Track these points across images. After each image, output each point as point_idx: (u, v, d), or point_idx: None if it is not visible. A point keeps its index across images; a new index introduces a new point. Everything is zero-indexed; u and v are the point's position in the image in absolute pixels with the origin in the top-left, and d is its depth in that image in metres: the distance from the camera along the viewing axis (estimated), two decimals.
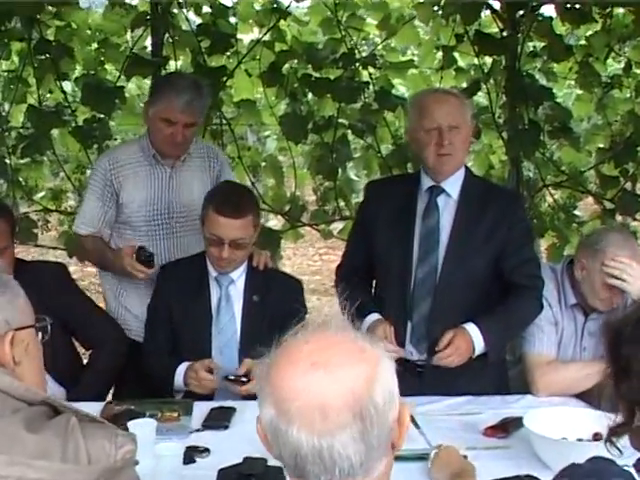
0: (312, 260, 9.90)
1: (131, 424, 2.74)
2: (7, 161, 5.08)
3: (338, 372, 1.38)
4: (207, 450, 2.76)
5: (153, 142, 3.71)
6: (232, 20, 5.06)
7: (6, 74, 5.16)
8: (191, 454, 2.71)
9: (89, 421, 1.58)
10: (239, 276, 3.37)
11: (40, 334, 1.77)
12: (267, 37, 5.03)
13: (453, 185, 3.29)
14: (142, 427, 2.72)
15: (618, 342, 1.77)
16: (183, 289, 3.37)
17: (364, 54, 5.10)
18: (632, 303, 3.18)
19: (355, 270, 3.46)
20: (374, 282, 3.48)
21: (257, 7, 5.05)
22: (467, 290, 3.25)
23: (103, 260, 3.78)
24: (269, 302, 3.29)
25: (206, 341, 3.32)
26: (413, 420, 2.94)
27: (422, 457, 2.64)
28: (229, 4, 5.05)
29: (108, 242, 3.79)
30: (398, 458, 2.52)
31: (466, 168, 3.36)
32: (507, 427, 2.91)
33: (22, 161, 5.21)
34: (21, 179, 5.30)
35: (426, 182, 3.30)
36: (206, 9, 4.99)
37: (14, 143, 5.04)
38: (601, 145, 5.48)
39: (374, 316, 3.26)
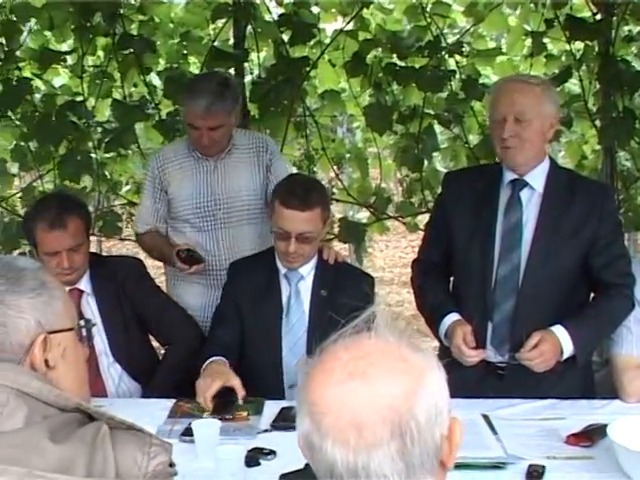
0: (404, 252, 9.77)
1: (195, 424, 2.68)
2: (93, 155, 5.10)
3: (375, 384, 1.25)
4: (273, 452, 2.66)
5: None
6: (314, 10, 4.95)
7: (92, 69, 5.15)
8: (256, 456, 2.61)
9: (125, 429, 1.49)
10: (309, 272, 3.27)
11: (83, 339, 1.68)
12: (350, 26, 4.92)
13: (537, 178, 3.10)
14: (206, 427, 2.65)
15: None
16: (252, 287, 3.28)
17: (450, 42, 4.92)
18: None
19: (433, 265, 3.32)
20: (452, 279, 3.33)
21: None
22: (553, 289, 3.07)
23: (162, 254, 3.86)
24: (337, 297, 3.16)
25: (276, 340, 3.22)
26: (490, 425, 2.79)
27: (498, 466, 2.48)
28: None
29: (166, 236, 3.89)
30: (472, 467, 2.41)
31: (551, 160, 3.17)
32: (592, 435, 2.71)
33: (107, 155, 5.21)
34: (106, 173, 5.31)
35: (508, 175, 3.13)
36: None
37: (99, 138, 5.05)
38: None
39: (453, 316, 3.11)
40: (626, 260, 3.17)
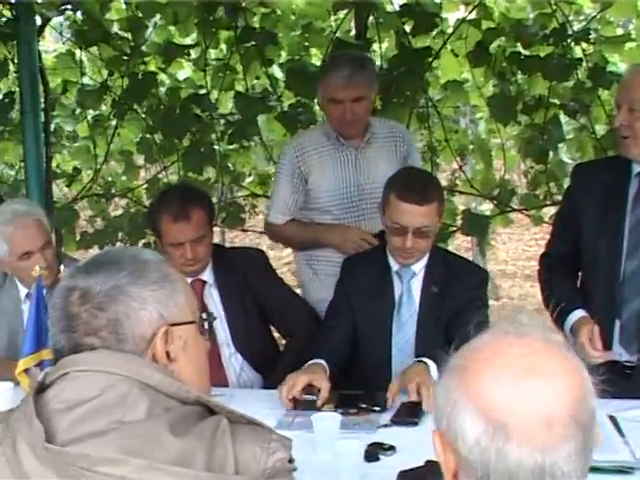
0: (527, 245, 9.60)
1: (315, 417, 2.67)
2: (216, 147, 5.16)
3: (556, 378, 1.23)
4: (392, 448, 2.62)
5: (331, 126, 3.72)
6: None
7: (215, 62, 5.22)
8: (376, 451, 2.59)
9: (245, 423, 1.49)
10: (421, 269, 3.21)
11: (204, 332, 1.68)
12: (473, 15, 4.83)
13: None
14: (326, 421, 2.64)
15: None
16: (365, 284, 3.24)
17: (576, 29, 4.78)
18: None
19: (561, 259, 3.22)
20: (580, 274, 3.22)
21: None
22: None
23: (309, 239, 3.76)
24: (449, 293, 3.09)
25: (386, 337, 3.18)
26: (618, 427, 2.69)
27: (625, 471, 2.39)
28: None
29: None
30: (598, 470, 2.32)
31: None
32: None
33: (230, 147, 5.28)
34: (229, 165, 5.37)
35: (636, 167, 3.01)
36: None
37: (222, 130, 5.11)
38: None
39: (579, 313, 3.00)
40: None
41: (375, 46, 4.90)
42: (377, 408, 2.92)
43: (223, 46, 5.22)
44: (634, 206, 3.00)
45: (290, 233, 3.81)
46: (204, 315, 1.68)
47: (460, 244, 8.32)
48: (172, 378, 1.51)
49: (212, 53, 5.31)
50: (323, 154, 3.71)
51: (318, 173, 3.70)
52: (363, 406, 2.93)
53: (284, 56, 5.12)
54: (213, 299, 3.42)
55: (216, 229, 5.95)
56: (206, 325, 1.69)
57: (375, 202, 3.57)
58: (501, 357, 1.25)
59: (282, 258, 8.82)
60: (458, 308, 3.02)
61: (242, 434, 1.46)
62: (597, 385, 1.28)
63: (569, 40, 4.70)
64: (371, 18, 4.83)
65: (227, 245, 7.23)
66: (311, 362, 3.05)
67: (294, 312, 3.52)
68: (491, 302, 7.60)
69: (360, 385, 3.09)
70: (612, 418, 2.78)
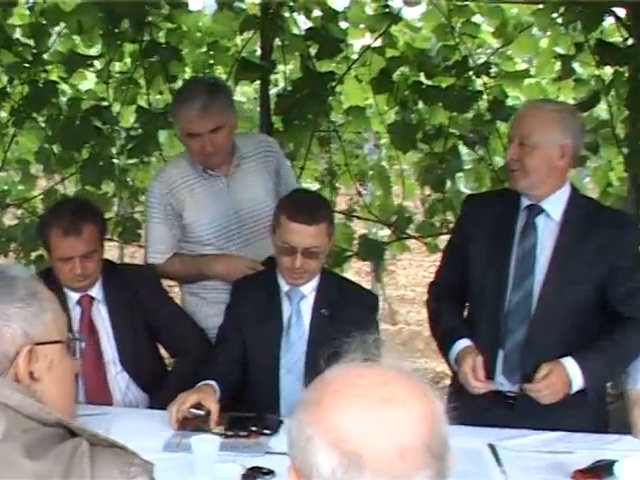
0: (427, 271, 9.68)
1: (194, 439, 2.64)
2: (115, 161, 5.10)
3: (409, 408, 1.23)
4: (271, 472, 2.60)
5: (193, 160, 3.59)
6: (343, 25, 4.92)
7: (118, 75, 5.15)
8: (254, 475, 2.57)
9: (107, 446, 1.45)
10: (311, 291, 3.21)
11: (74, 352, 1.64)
12: (378, 42, 4.89)
13: (554, 205, 3.04)
14: (205, 443, 2.61)
15: None
16: (254, 306, 3.23)
17: (478, 62, 4.88)
18: None
19: (449, 289, 3.27)
20: (467, 304, 3.27)
21: (369, 12, 4.91)
22: (566, 319, 3.00)
23: (194, 274, 3.65)
24: (339, 317, 3.10)
25: (275, 359, 3.17)
26: (496, 456, 2.73)
27: None
28: (340, 8, 4.91)
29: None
30: None
31: (572, 187, 3.11)
32: (600, 472, 2.62)
33: (130, 161, 5.20)
34: (128, 179, 5.31)
35: (524, 200, 3.08)
36: (317, 13, 4.87)
37: (123, 144, 5.04)
38: None
39: (463, 342, 3.05)
40: None
41: (280, 67, 4.92)
42: (267, 431, 2.91)
43: (127, 59, 5.16)
44: (521, 239, 3.06)
45: (173, 270, 3.68)
46: (72, 335, 1.64)
47: (360, 268, 8.37)
48: (33, 399, 1.47)
49: (116, 66, 5.26)
50: (193, 187, 3.59)
51: (192, 208, 3.59)
52: (253, 429, 2.92)
53: (189, 72, 5.08)
54: (101, 316, 3.36)
55: (114, 244, 5.88)
56: (76, 345, 1.65)
57: (256, 226, 3.56)
58: (353, 388, 1.24)
59: None
60: (348, 333, 3.02)
61: (102, 457, 1.42)
62: (449, 412, 1.29)
63: (470, 73, 4.79)
64: (277, 40, 4.83)
65: (126, 260, 7.16)
66: (202, 383, 3.03)
67: (183, 331, 3.47)
68: (388, 327, 7.69)
69: (250, 407, 3.08)
70: (492, 447, 2.81)
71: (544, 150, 2.96)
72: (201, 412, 2.92)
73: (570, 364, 2.91)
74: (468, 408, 2.93)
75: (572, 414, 2.96)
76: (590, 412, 3.05)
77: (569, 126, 2.99)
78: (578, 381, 2.92)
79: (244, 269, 3.48)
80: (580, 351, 2.94)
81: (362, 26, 4.94)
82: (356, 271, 7.20)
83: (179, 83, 5.04)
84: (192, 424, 2.92)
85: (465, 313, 3.27)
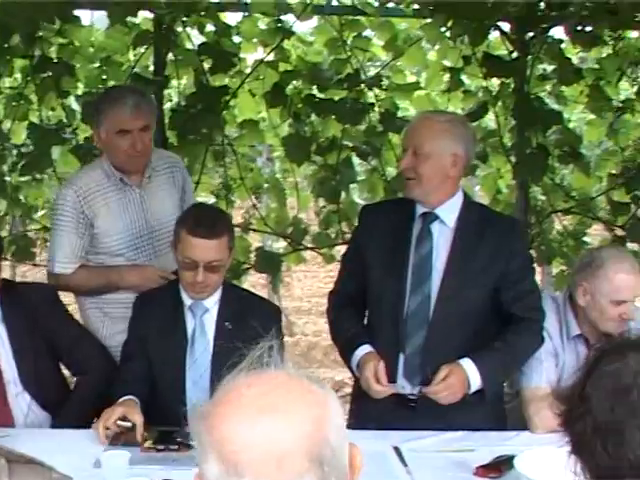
0: (322, 282, 9.79)
1: (104, 455, 2.64)
2: (7, 179, 5.03)
3: (289, 416, 1.25)
4: None
5: (115, 163, 3.60)
6: (236, 39, 4.94)
7: (9, 91, 5.07)
8: None
9: (24, 462, 1.46)
10: (213, 304, 3.24)
11: None
12: (271, 57, 4.93)
13: (448, 212, 3.16)
14: (115, 458, 2.62)
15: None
16: (157, 321, 3.25)
17: (369, 75, 4.97)
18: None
19: (348, 297, 3.34)
20: (367, 311, 3.35)
21: (261, 26, 4.93)
22: (463, 322, 3.13)
23: (102, 284, 3.64)
24: (243, 329, 3.13)
25: (180, 373, 3.19)
26: (401, 457, 2.81)
27: None
28: (233, 23, 4.93)
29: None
30: None
31: (465, 195, 3.24)
32: (500, 467, 2.75)
33: (22, 179, 5.13)
34: (21, 197, 5.23)
35: (419, 208, 3.19)
36: (210, 27, 4.88)
37: (14, 161, 4.97)
38: (612, 171, 5.33)
39: (365, 348, 3.13)
40: (536, 295, 3.25)
41: (174, 82, 4.93)
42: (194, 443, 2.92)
43: (18, 75, 5.08)
44: (417, 246, 3.16)
45: (81, 281, 3.64)
46: None
47: (256, 281, 8.39)
48: None
49: (6, 81, 5.16)
50: (109, 196, 3.60)
51: (105, 217, 3.58)
52: (180, 441, 2.91)
53: (81, 88, 5.03)
54: (0, 335, 3.31)
55: (6, 263, 5.76)
56: None
57: (165, 238, 3.56)
58: (238, 399, 1.28)
59: None
60: (252, 344, 3.04)
61: (21, 473, 1.43)
62: (351, 417, 1.33)
63: (362, 85, 4.87)
64: (170, 54, 4.83)
65: (18, 279, 7.01)
66: (124, 398, 3.03)
67: (86, 349, 3.43)
68: (286, 338, 7.73)
69: (158, 421, 3.06)
70: (396, 449, 2.89)
71: (437, 159, 3.07)
72: (128, 423, 2.93)
73: (468, 365, 3.02)
74: (372, 412, 3.05)
75: (472, 413, 3.08)
76: (489, 411, 3.18)
77: (460, 136, 3.13)
78: (476, 381, 3.03)
79: (157, 279, 3.49)
80: (477, 352, 3.06)
81: (255, 40, 4.96)
82: (252, 284, 7.21)
83: (71, 99, 5.01)
84: (122, 439, 2.93)
85: (365, 320, 3.35)
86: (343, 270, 3.46)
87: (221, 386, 1.33)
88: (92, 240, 3.61)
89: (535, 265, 3.88)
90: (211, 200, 5.19)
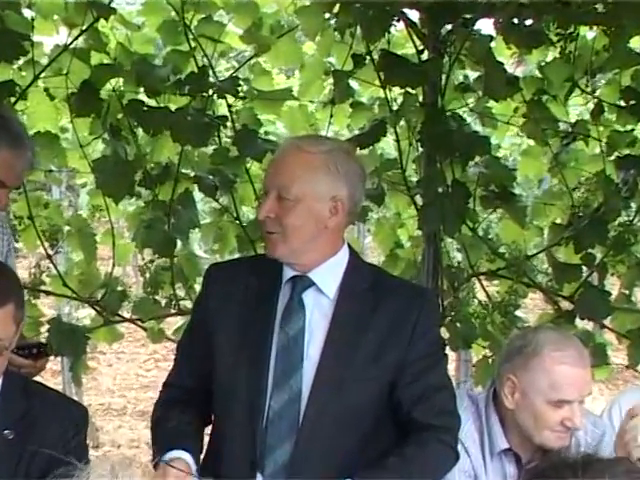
0: (144, 368, 9.79)
1: None
2: None
3: None
4: None
5: None
6: (27, 13, 4.95)
7: None
8: None
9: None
10: None
11: None
12: (80, 43, 4.96)
13: (327, 276, 3.27)
14: None
15: None
16: None
17: (221, 76, 5.08)
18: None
19: (186, 393, 3.42)
20: (214, 414, 3.42)
21: None
22: (345, 430, 3.22)
23: None
24: (30, 440, 3.12)
25: None
26: None
27: None
28: None
29: None
30: None
31: (351, 252, 3.36)
32: None
33: None
34: None
35: (288, 270, 3.29)
36: None
37: None
38: (557, 220, 5.55)
39: (175, 453, 3.16)
40: (447, 393, 3.35)
41: None
42: None
43: None
44: (284, 322, 3.25)
45: None
46: None
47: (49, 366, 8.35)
48: None
49: None
50: None
51: None
52: None
53: None
54: None
55: None
56: None
57: None
58: None
59: None
60: (47, 460, 3.04)
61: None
62: None
63: (211, 90, 4.94)
64: None
65: None
66: None
67: None
68: (90, 452, 7.69)
69: None
70: None
71: (309, 205, 3.16)
72: None
73: None
74: None
75: None
76: None
77: (343, 171, 3.21)
78: None
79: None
80: (363, 472, 3.14)
81: (56, 18, 4.98)
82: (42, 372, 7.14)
83: None
84: None
85: (211, 427, 3.44)
86: (180, 354, 3.53)
87: None
88: None
89: (447, 350, 4.02)
90: None
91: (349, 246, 3.38)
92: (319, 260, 3.27)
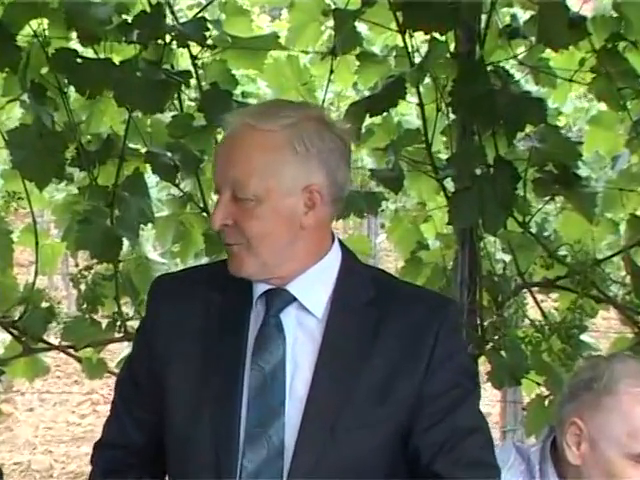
0: (77, 414, 9.85)
1: None
2: None
3: None
4: None
5: None
6: None
7: None
8: None
9: None
10: None
11: None
12: None
13: (311, 288, 3.19)
14: None
15: None
16: None
17: (183, 18, 5.15)
18: None
19: (128, 453, 3.39)
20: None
21: None
22: None
23: None
24: None
25: None
26: None
27: None
28: None
29: None
30: None
31: (345, 253, 3.28)
32: None
33: None
34: None
35: (259, 287, 3.19)
36: None
37: None
38: (638, 212, 5.53)
39: None
40: (480, 438, 3.25)
41: None
42: None
43: None
44: (257, 352, 3.17)
45: None
46: None
47: None
48: None
49: None
50: None
51: None
52: None
53: None
54: None
55: None
56: None
57: None
58: None
59: None
60: None
61: None
62: None
63: (169, 37, 4.96)
64: None
65: None
66: None
67: None
68: None
69: None
70: None
71: (276, 203, 3.05)
72: None
73: None
74: None
75: None
76: None
77: (315, 149, 3.07)
78: None
79: None
80: None
81: None
82: None
83: None
84: None
85: None
86: (120, 396, 3.48)
87: None
88: None
89: (488, 387, 3.96)
90: None
91: (341, 244, 3.29)
92: (297, 269, 3.17)
